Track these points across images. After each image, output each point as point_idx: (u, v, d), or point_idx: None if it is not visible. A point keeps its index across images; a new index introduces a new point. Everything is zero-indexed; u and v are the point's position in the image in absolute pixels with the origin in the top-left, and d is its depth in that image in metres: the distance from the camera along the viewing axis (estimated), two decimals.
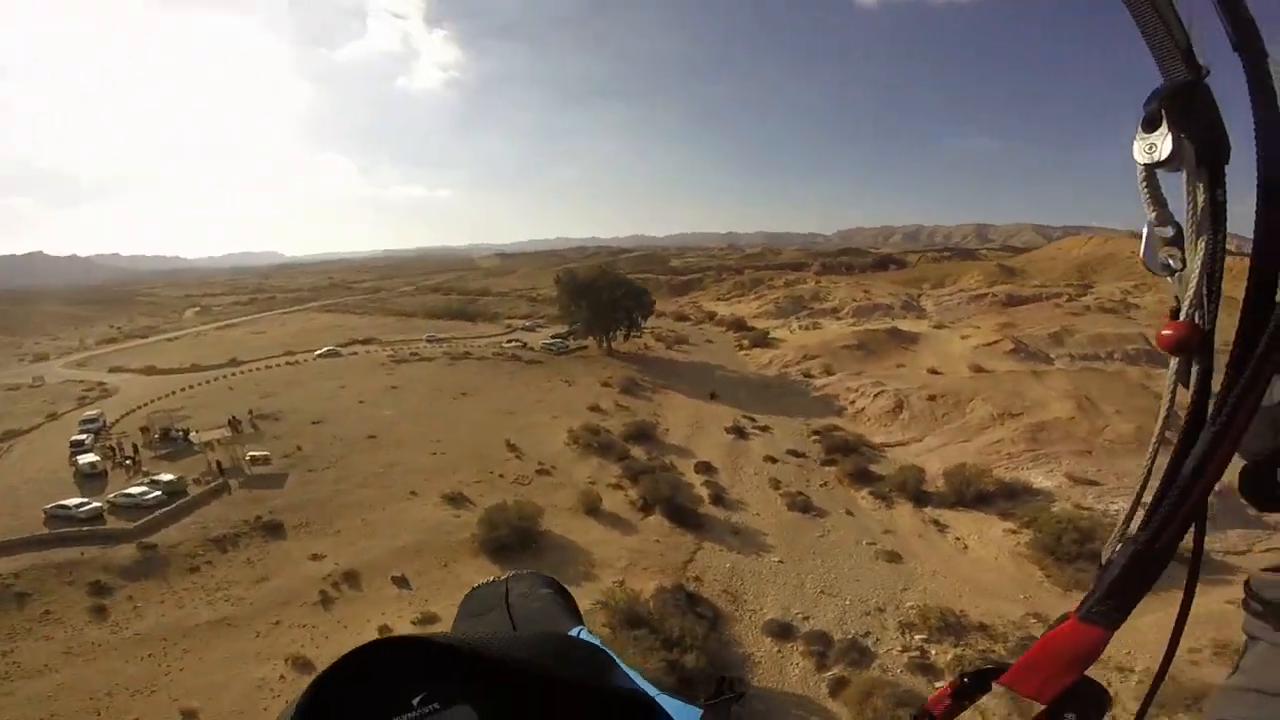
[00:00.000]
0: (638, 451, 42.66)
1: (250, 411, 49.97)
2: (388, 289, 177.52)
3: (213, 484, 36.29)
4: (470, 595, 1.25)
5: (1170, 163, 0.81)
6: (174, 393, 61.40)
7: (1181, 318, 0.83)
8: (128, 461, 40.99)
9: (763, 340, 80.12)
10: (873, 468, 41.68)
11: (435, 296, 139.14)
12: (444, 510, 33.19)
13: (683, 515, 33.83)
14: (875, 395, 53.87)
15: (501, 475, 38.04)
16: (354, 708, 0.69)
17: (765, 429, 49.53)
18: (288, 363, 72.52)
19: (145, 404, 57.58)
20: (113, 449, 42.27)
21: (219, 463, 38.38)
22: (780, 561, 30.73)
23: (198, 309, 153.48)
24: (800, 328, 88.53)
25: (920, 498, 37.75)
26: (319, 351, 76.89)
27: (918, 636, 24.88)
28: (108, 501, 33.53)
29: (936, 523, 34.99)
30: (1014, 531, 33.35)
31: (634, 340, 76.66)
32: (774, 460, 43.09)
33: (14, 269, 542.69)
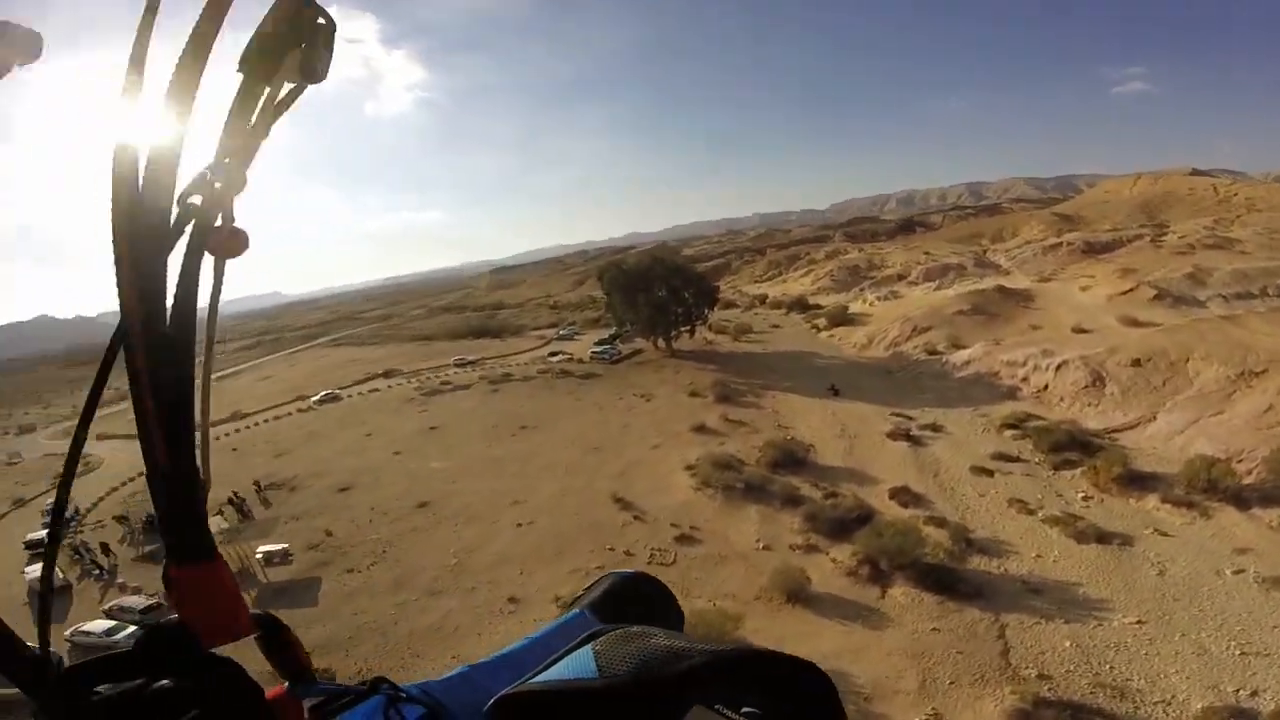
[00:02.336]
0: (799, 485, 29.89)
1: (257, 483, 37.46)
2: (398, 315, 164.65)
3: None
4: (644, 581, 1.03)
5: None
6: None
7: None
8: (96, 571, 29.10)
9: (844, 317, 67.32)
10: (1134, 465, 29.00)
11: (450, 316, 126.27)
12: None
13: (940, 579, 21.23)
14: (1055, 368, 41.00)
15: (628, 552, 25.23)
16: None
17: (935, 428, 36.78)
18: (299, 410, 59.78)
19: (133, 478, 45.37)
20: (78, 550, 29.92)
21: None
22: (1138, 623, 18.83)
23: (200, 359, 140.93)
24: (878, 299, 75.76)
25: (1239, 498, 25.30)
26: (314, 399, 62.16)
27: None
28: (68, 641, 22.46)
29: None
30: None
31: (694, 336, 63.85)
32: (987, 472, 30.41)
33: (21, 336, 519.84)
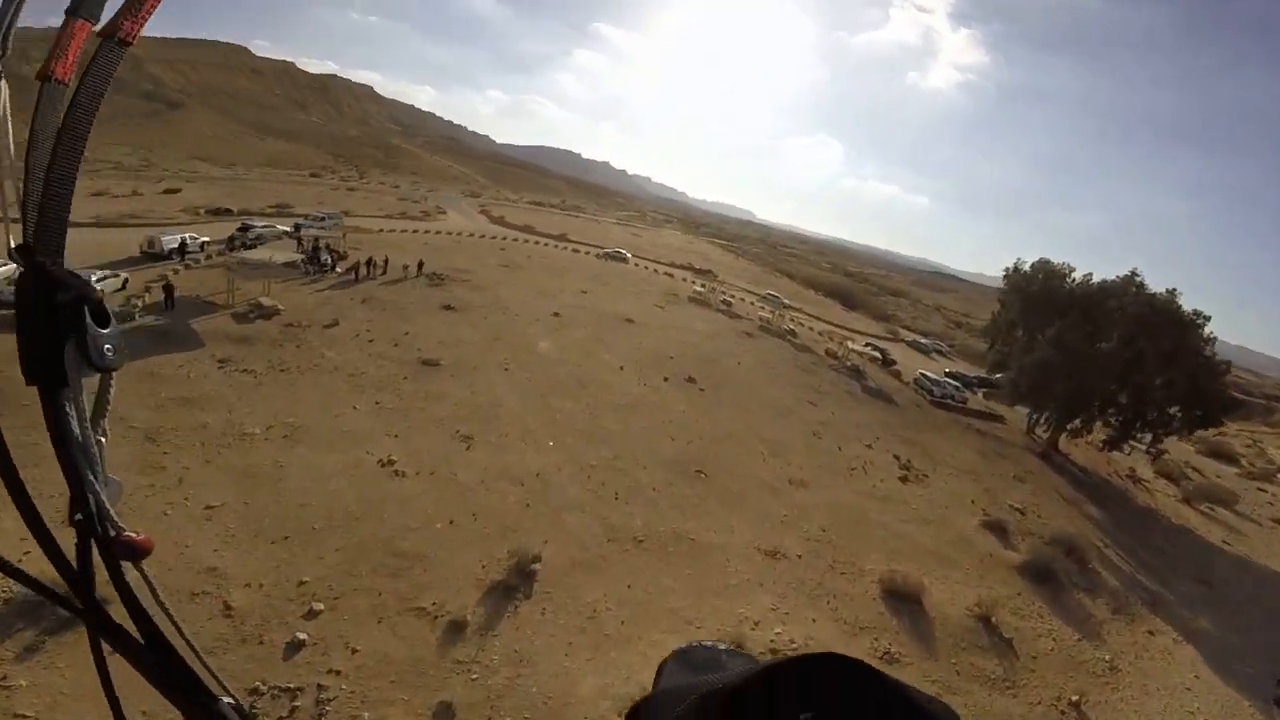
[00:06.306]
0: None
1: (413, 267, 30.20)
2: (806, 260, 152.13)
3: None
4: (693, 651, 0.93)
5: None
6: (460, 234, 52.15)
7: None
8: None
9: None
10: None
11: (835, 275, 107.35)
12: None
13: None
14: None
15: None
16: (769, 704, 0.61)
17: None
18: (573, 250, 54.02)
19: (445, 232, 51.60)
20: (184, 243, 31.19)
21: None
22: None
23: (642, 216, 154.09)
24: None
25: None
26: (601, 251, 56.54)
27: None
28: None
29: None
30: None
31: (1105, 448, 34.66)
32: None
33: (576, 165, 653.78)
